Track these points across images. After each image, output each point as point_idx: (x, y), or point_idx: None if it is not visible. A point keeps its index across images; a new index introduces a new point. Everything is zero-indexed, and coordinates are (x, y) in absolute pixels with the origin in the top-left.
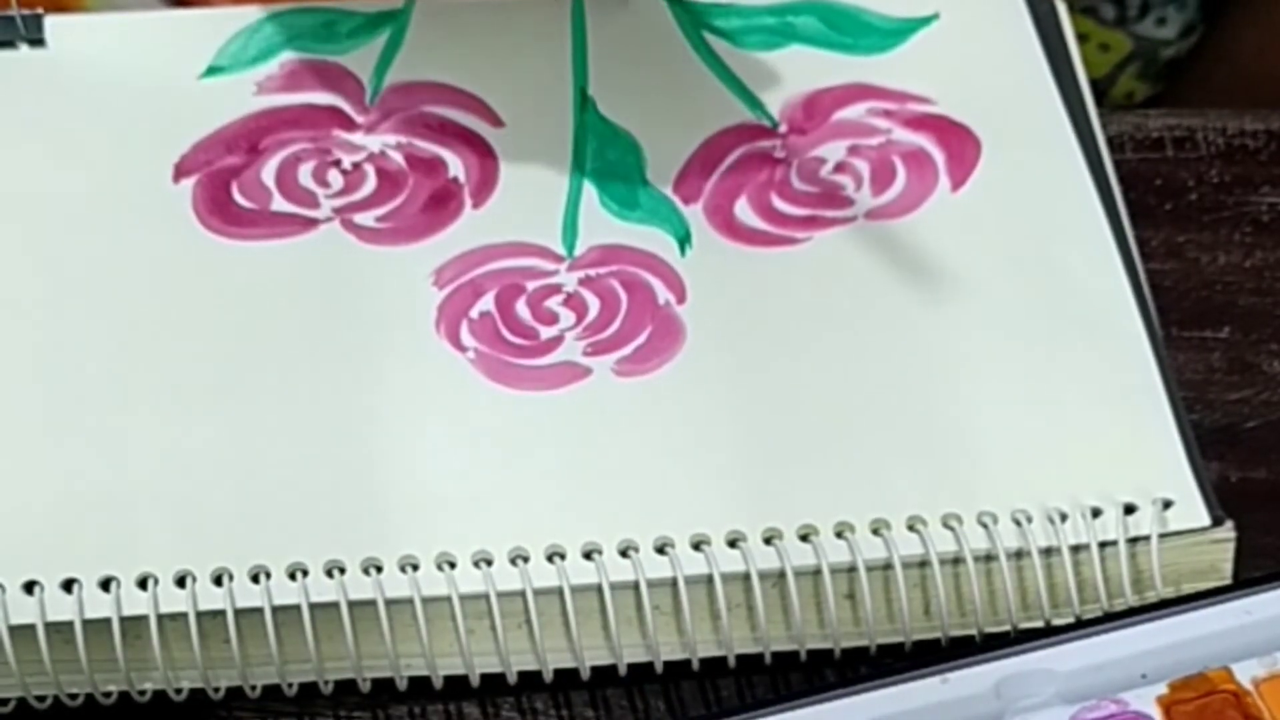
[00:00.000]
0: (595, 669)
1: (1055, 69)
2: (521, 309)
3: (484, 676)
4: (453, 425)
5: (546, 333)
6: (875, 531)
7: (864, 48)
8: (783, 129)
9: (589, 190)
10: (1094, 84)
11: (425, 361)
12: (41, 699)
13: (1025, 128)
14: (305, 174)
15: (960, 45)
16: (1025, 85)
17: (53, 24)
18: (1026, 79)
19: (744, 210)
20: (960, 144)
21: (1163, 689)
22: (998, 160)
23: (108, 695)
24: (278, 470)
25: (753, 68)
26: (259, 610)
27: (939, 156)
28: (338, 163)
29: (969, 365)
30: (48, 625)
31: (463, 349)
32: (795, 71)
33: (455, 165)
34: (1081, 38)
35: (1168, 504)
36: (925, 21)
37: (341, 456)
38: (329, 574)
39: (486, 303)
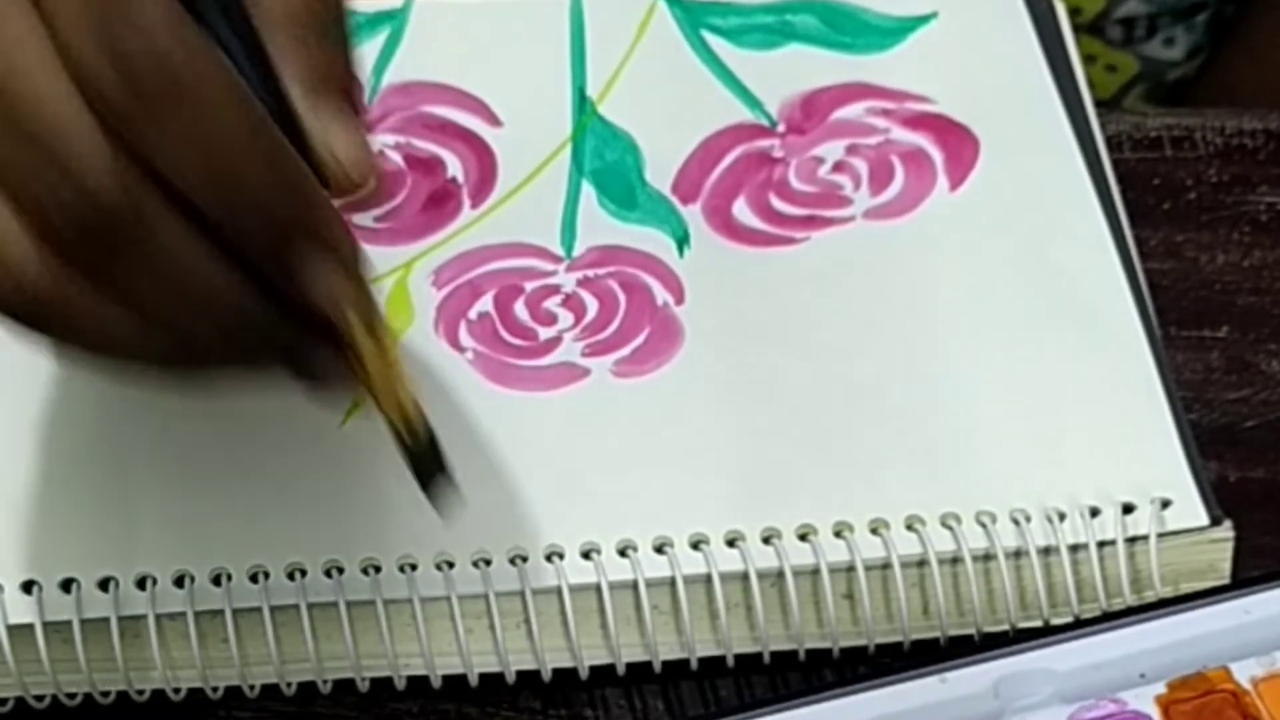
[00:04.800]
0: (594, 669)
1: (1053, 68)
2: (520, 310)
3: (482, 676)
4: (451, 426)
5: (545, 333)
6: (874, 531)
7: (862, 47)
8: (781, 128)
9: (587, 191)
10: (1100, 105)
11: (423, 362)
12: (40, 699)
13: (1023, 127)
14: None
15: (959, 44)
16: (1023, 84)
17: None
18: (1025, 78)
19: (742, 210)
20: (958, 143)
21: (1161, 688)
22: (996, 160)
23: (106, 695)
24: (276, 470)
25: (751, 67)
26: (257, 610)
27: (937, 156)
28: None
29: (967, 365)
30: (46, 625)
31: (461, 349)
32: (793, 71)
33: (454, 165)
34: (1089, 58)
35: (1166, 503)
36: (923, 20)
37: (339, 456)
38: (327, 574)
39: (485, 303)
